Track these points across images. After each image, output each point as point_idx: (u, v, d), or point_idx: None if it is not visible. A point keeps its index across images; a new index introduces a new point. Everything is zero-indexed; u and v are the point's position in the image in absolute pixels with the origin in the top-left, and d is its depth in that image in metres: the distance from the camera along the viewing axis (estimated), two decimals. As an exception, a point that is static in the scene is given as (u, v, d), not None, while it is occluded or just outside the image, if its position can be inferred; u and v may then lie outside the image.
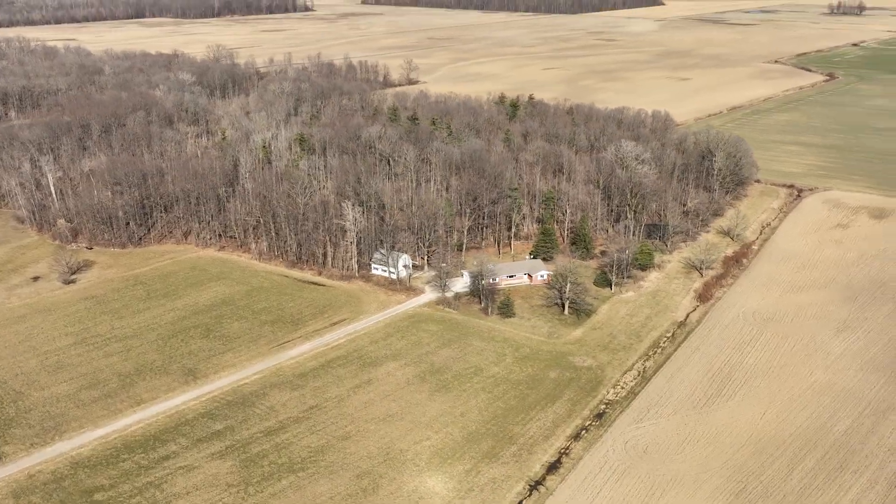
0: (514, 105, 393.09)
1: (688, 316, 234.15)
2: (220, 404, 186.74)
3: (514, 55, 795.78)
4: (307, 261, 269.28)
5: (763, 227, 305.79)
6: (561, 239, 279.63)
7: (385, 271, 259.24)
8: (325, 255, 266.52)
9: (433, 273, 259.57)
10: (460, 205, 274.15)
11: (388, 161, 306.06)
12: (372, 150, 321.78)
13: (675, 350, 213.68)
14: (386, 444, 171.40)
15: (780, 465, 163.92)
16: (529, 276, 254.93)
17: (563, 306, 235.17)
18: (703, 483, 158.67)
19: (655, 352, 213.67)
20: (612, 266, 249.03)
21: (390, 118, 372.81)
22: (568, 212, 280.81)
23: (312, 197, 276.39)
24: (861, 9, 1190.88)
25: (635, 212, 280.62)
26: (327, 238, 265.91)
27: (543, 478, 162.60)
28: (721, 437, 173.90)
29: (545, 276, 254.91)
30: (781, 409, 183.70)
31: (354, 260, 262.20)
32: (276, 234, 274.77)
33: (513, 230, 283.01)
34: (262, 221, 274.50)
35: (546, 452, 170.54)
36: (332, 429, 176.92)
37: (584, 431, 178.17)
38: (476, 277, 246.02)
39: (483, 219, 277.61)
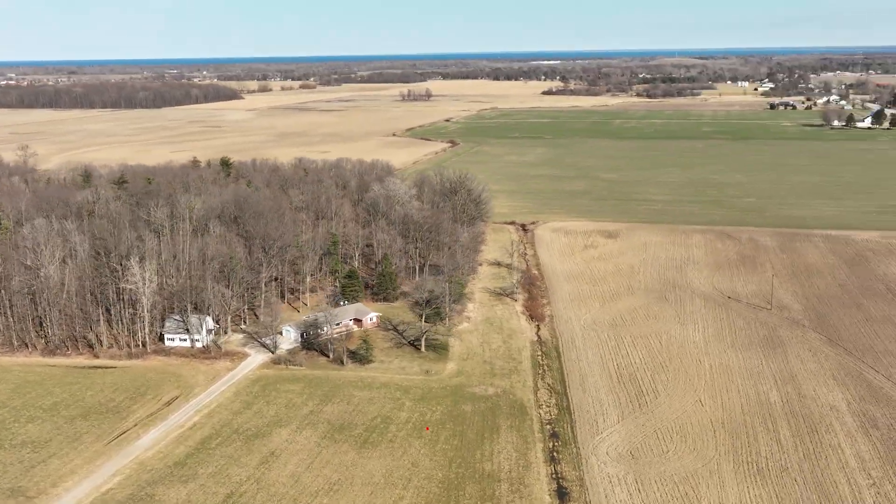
0: (226, 164, 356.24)
1: (538, 334, 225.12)
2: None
3: (128, 142, 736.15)
4: (69, 345, 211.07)
5: (521, 255, 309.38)
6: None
7: (184, 340, 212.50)
8: (98, 332, 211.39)
9: (243, 335, 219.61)
10: (249, 257, 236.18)
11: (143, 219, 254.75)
12: (92, 213, 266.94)
13: (561, 365, 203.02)
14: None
15: (768, 438, 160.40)
16: (358, 321, 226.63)
17: (419, 345, 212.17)
18: (722, 465, 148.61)
19: (543, 370, 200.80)
20: (426, 303, 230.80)
21: (85, 183, 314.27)
22: (378, 251, 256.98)
23: (59, 266, 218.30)
24: (429, 95, 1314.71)
25: (418, 248, 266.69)
26: (101, 311, 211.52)
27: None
28: (690, 426, 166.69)
29: (374, 319, 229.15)
30: (710, 394, 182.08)
31: (147, 332, 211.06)
32: (14, 317, 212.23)
33: (307, 281, 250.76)
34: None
35: (540, 481, 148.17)
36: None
37: (555, 453, 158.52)
38: (308, 329, 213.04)
39: (271, 271, 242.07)
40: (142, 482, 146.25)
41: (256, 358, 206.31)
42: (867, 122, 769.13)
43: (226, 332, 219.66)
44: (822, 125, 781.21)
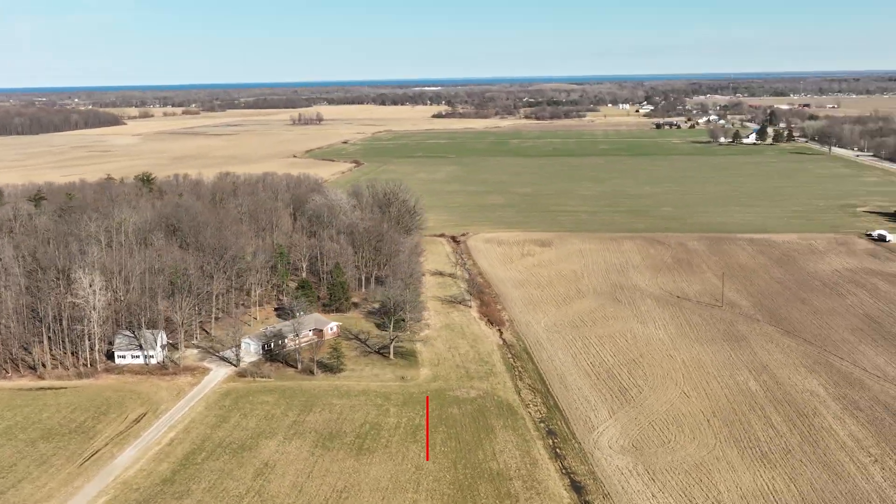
0: (147, 179, 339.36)
1: (502, 338, 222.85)
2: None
3: (14, 167, 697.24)
4: (8, 367, 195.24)
5: (460, 265, 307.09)
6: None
7: (137, 357, 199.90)
8: (41, 352, 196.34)
9: (198, 350, 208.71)
10: (202, 268, 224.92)
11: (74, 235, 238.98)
12: (13, 231, 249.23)
13: (535, 366, 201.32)
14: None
15: (762, 424, 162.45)
16: (319, 331, 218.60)
17: (386, 353, 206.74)
18: (727, 452, 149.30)
19: (518, 371, 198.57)
20: (389, 310, 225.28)
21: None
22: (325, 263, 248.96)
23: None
24: (320, 119, 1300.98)
25: (364, 258, 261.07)
26: (43, 329, 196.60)
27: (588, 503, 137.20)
28: (683, 417, 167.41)
29: (334, 329, 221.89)
30: (692, 386, 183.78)
31: (97, 349, 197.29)
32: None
33: (255, 294, 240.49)
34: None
35: (552, 477, 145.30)
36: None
37: (557, 449, 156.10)
38: (270, 341, 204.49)
39: (220, 284, 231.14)
40: (132, 501, 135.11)
41: (219, 372, 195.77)
42: (752, 139, 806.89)
43: (179, 348, 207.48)
44: (709, 142, 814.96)
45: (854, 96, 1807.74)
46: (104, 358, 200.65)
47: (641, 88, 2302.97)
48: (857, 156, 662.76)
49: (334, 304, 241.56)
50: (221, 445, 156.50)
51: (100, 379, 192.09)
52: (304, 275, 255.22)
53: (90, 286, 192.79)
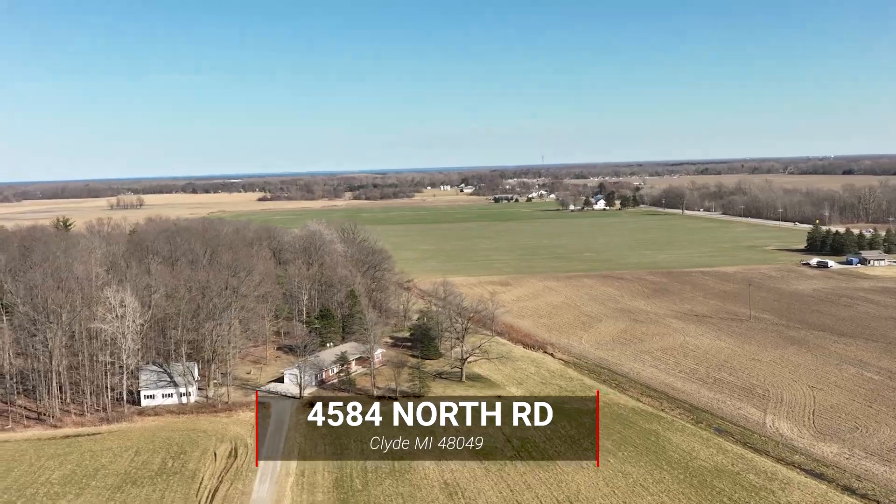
0: (66, 224, 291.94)
1: (556, 358, 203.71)
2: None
3: None
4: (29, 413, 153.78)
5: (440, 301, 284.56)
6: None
7: (170, 395, 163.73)
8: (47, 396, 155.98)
9: (228, 387, 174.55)
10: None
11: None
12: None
13: (626, 377, 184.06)
14: None
15: None
16: (364, 359, 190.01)
17: (447, 376, 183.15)
18: None
19: (618, 383, 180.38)
20: (418, 338, 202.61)
21: None
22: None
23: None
24: (141, 203, 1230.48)
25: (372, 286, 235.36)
26: (51, 368, 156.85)
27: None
28: (841, 406, 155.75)
29: (380, 357, 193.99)
30: (811, 382, 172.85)
31: (124, 386, 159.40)
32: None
33: (267, 329, 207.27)
34: None
35: (779, 470, 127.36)
36: None
37: (748, 444, 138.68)
38: (323, 370, 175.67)
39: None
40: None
41: (282, 404, 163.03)
42: (601, 205, 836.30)
43: (209, 384, 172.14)
44: (558, 209, 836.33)
45: (647, 177, 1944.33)
46: (118, 400, 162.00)
47: (448, 174, 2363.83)
48: (710, 215, 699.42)
49: (353, 333, 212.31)
50: (369, 470, 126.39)
51: (135, 422, 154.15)
52: (304, 307, 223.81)
53: (121, 306, 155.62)
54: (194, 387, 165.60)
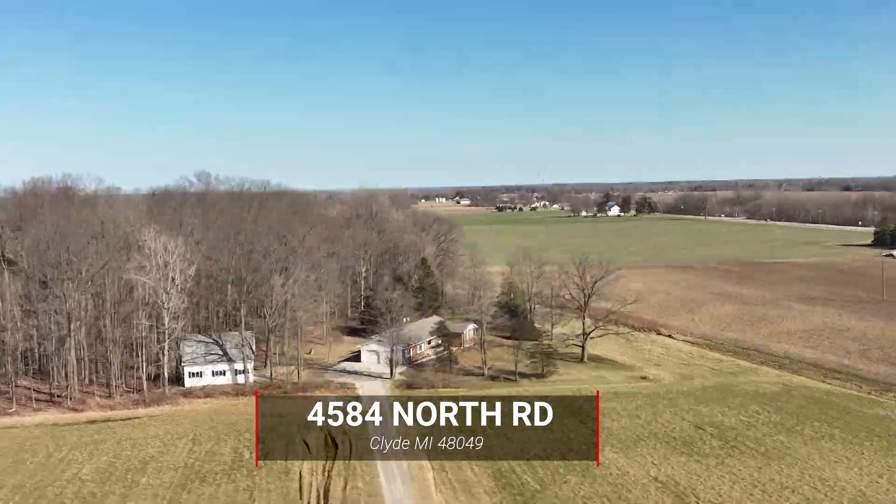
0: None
1: (679, 340, 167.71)
2: None
3: None
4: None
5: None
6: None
7: (223, 373, 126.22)
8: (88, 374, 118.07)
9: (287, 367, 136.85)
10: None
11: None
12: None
13: (781, 359, 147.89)
14: None
15: None
16: (457, 335, 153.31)
17: (581, 355, 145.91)
18: None
19: (776, 364, 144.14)
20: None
21: None
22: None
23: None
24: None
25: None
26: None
27: None
28: None
29: (471, 333, 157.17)
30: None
31: (165, 361, 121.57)
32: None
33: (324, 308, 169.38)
34: None
35: None
36: None
37: None
38: (410, 347, 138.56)
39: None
40: None
41: (371, 385, 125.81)
42: (615, 211, 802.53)
43: (267, 363, 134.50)
44: (570, 216, 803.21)
45: (647, 192, 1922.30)
46: (150, 379, 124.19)
47: (445, 191, 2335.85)
48: (735, 220, 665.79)
49: (427, 307, 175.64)
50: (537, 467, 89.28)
51: (182, 405, 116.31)
52: (363, 280, 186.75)
53: (165, 251, 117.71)
54: (251, 363, 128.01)
